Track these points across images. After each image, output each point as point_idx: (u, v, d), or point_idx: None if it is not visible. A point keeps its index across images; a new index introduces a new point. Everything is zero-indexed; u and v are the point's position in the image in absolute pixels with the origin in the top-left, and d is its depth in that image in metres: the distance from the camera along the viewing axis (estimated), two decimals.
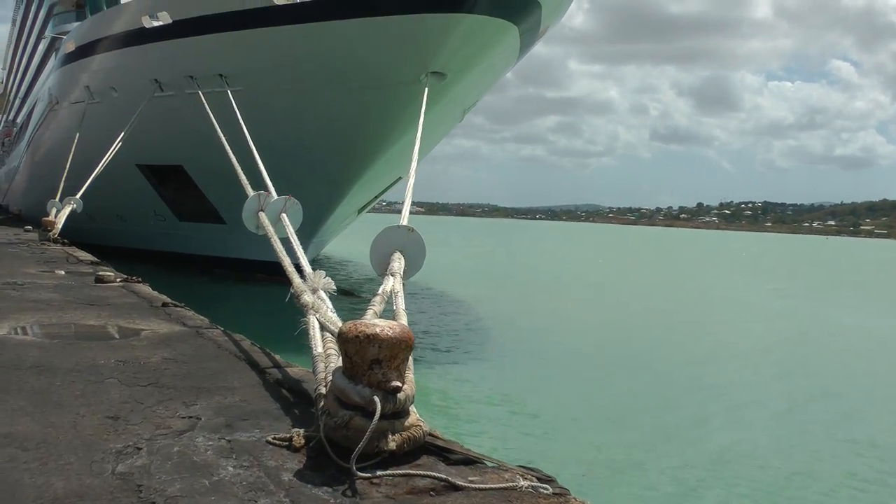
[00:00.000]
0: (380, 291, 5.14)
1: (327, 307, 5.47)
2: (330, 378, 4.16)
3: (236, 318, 18.88)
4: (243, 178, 11.26)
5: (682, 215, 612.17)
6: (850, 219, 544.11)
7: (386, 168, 33.08)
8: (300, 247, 7.40)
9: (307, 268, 6.70)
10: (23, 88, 66.38)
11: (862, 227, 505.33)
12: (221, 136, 16.89)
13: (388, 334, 3.77)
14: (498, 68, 30.70)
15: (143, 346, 6.82)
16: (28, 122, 56.90)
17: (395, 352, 3.79)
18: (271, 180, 32.33)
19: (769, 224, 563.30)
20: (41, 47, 52.63)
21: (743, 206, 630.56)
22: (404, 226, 6.21)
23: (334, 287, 6.00)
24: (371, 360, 3.76)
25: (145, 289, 10.97)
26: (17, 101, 71.93)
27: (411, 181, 10.34)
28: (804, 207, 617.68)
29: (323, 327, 5.12)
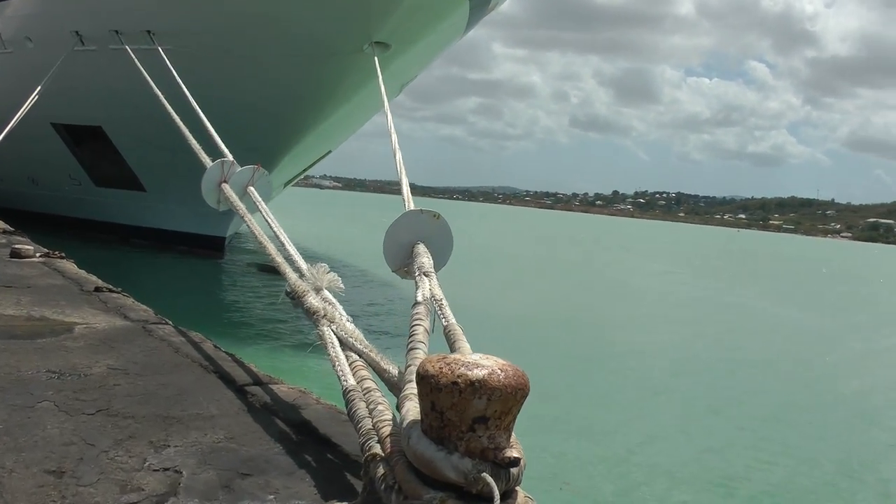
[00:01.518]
0: (420, 299, 3.76)
1: (342, 315, 4.09)
2: (387, 431, 2.85)
3: (168, 299, 17.56)
4: (195, 143, 9.70)
5: (598, 202, 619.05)
6: (760, 213, 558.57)
7: (317, 141, 31.51)
8: (281, 229, 5.93)
9: (299, 258, 5.28)
10: None
11: (771, 222, 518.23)
12: (160, 96, 15.06)
13: (500, 380, 2.45)
14: (441, 42, 29.26)
15: (79, 348, 5.26)
16: None
17: (508, 405, 2.48)
18: (190, 146, 30.77)
19: (682, 214, 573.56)
20: None
21: (657, 195, 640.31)
22: (428, 211, 4.81)
23: (342, 285, 4.61)
24: (474, 417, 2.43)
25: (71, 267, 9.36)
26: None
27: (399, 157, 8.81)
28: (716, 200, 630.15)
29: (344, 344, 3.75)
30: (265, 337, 20.02)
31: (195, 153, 8.94)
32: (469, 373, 2.45)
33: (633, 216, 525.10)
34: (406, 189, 6.94)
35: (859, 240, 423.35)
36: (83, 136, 32.26)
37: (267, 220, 6.20)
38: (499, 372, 2.48)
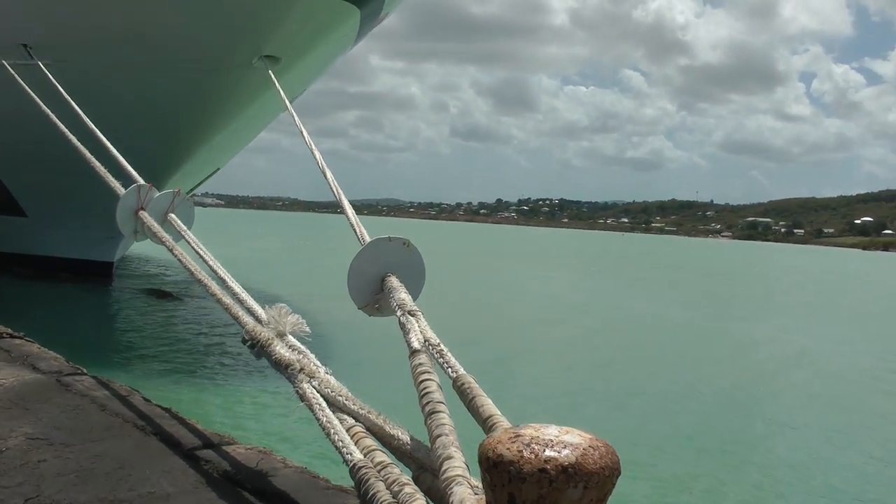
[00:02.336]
0: (417, 346, 3.12)
1: (318, 366, 3.42)
2: None
3: (62, 335, 16.52)
4: (100, 167, 8.81)
5: (483, 211, 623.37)
6: (643, 216, 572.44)
7: (206, 158, 30.39)
8: (216, 260, 5.19)
9: (248, 297, 4.56)
10: None
11: (653, 225, 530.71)
12: (50, 115, 13.84)
13: (595, 462, 1.88)
14: (332, 54, 28.52)
15: None
16: None
17: (605, 491, 1.92)
18: (75, 168, 29.02)
19: (566, 220, 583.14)
20: None
21: (541, 202, 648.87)
22: (397, 238, 4.17)
23: (308, 329, 3.93)
24: None
25: None
26: None
27: (329, 175, 8.09)
28: (599, 205, 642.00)
29: (333, 405, 3.10)
30: (179, 372, 18.97)
31: (100, 177, 8.09)
32: (558, 455, 1.88)
33: (517, 223, 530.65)
34: (350, 210, 6.33)
35: (739, 238, 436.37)
36: None
37: (197, 252, 5.46)
38: (592, 451, 1.92)
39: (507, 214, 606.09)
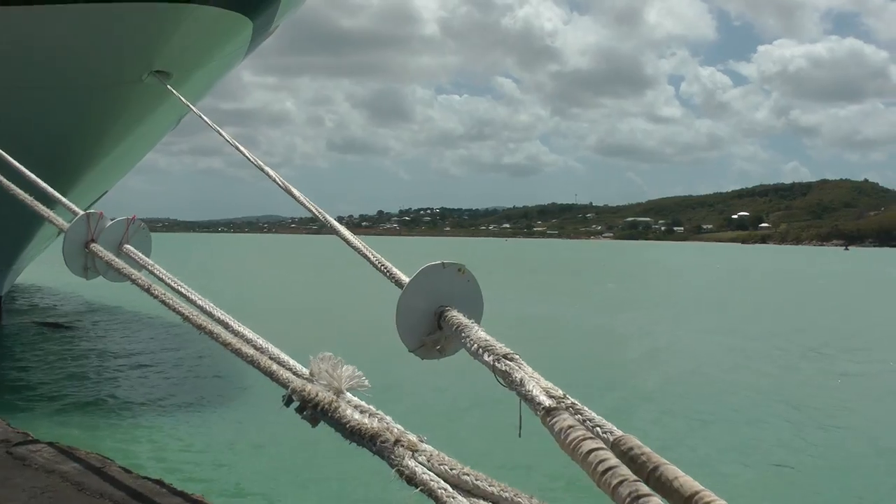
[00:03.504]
0: (547, 402, 2.40)
1: (405, 432, 2.65)
2: None
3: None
4: (22, 193, 7.81)
5: (364, 223, 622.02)
6: (524, 221, 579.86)
7: (94, 181, 28.89)
8: (204, 297, 4.36)
9: (266, 343, 3.77)
10: None
11: (535, 229, 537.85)
12: None
13: None
14: (223, 68, 27.41)
15: None
16: None
17: None
18: None
19: (448, 228, 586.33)
20: None
21: (422, 212, 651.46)
22: (451, 263, 3.44)
23: (367, 383, 3.13)
24: None
25: None
26: None
27: (298, 193, 7.25)
28: (480, 212, 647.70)
29: (455, 484, 2.35)
30: (94, 411, 17.76)
31: (24, 205, 7.12)
32: None
33: (399, 234, 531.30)
34: (344, 230, 5.54)
35: (620, 238, 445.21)
36: None
37: (174, 287, 4.61)
38: None
39: (389, 226, 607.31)
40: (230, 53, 25.42)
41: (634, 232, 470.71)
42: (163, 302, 4.34)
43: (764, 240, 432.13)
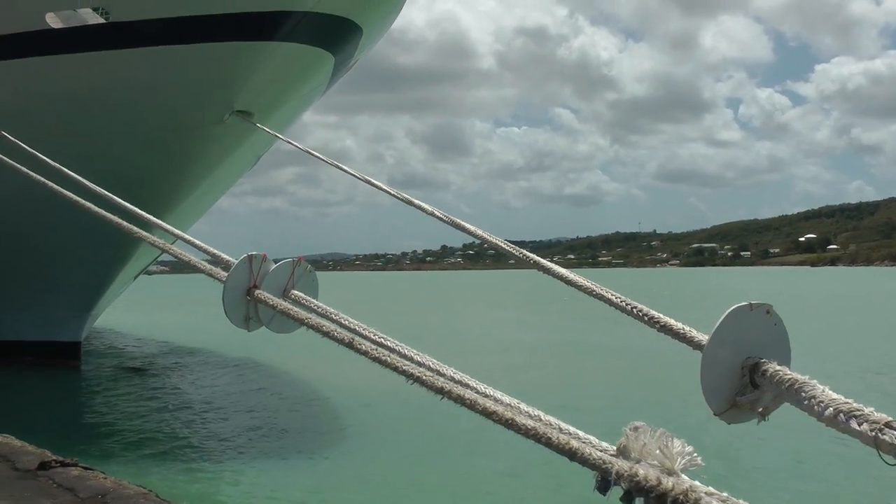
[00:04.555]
0: None
1: None
2: None
3: (50, 430, 14.87)
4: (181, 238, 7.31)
5: (429, 258, 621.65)
6: (588, 251, 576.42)
7: (174, 222, 28.66)
8: (409, 347, 3.75)
9: (506, 396, 3.14)
10: None
11: (600, 259, 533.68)
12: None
13: None
14: (303, 105, 27.10)
15: None
16: None
17: None
18: (31, 243, 26.96)
19: (512, 262, 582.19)
20: None
21: (486, 246, 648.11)
22: (759, 305, 2.80)
23: (700, 461, 2.45)
24: None
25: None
26: None
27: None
28: (543, 243, 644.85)
29: None
30: (176, 459, 17.26)
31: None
32: None
33: (464, 268, 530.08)
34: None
35: (687, 265, 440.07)
36: None
37: (371, 336, 3.98)
38: None
39: (453, 260, 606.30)
40: (311, 89, 25.13)
41: (701, 258, 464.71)
42: (362, 352, 3.73)
43: (833, 262, 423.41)
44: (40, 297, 27.83)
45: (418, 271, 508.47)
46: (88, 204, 10.16)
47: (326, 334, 4.00)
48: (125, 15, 21.30)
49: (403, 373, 3.40)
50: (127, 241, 26.56)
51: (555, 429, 2.84)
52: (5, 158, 17.53)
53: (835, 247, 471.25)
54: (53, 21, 21.60)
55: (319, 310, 4.51)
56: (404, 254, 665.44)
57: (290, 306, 4.49)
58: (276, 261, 5.11)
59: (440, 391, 3.18)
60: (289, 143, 19.36)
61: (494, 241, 6.22)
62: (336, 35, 22.47)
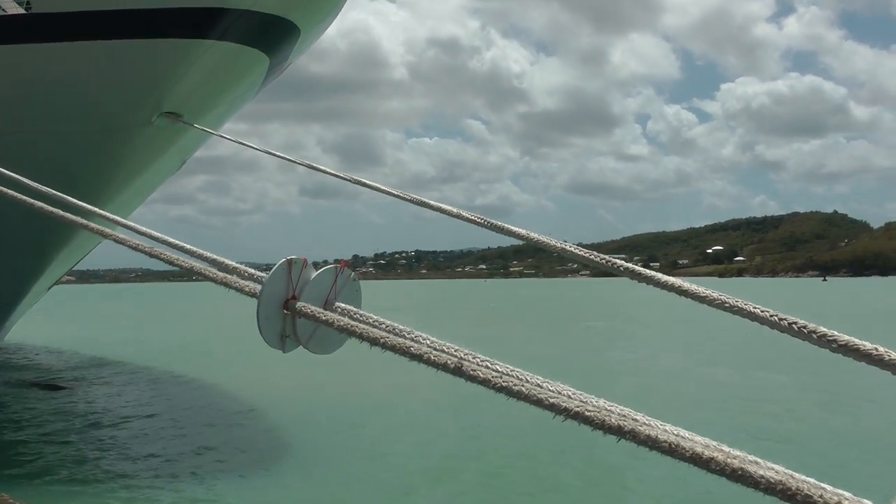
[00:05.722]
0: None
1: None
2: None
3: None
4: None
5: None
6: (500, 262, 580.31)
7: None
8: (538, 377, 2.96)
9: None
10: None
11: (512, 269, 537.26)
12: None
13: None
14: (234, 107, 26.05)
15: None
16: None
17: None
18: None
19: (424, 271, 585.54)
20: None
21: (397, 255, 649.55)
22: None
23: None
24: None
25: None
26: None
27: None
28: (455, 254, 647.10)
29: None
30: (103, 483, 16.07)
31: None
32: None
33: (376, 278, 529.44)
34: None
35: (598, 276, 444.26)
36: None
37: (469, 360, 3.19)
38: None
39: (365, 269, 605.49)
40: (243, 91, 24.16)
41: (612, 269, 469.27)
42: (469, 376, 2.95)
43: (740, 273, 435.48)
44: None
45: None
46: (23, 196, 9.27)
47: (401, 351, 3.24)
48: (48, 6, 20.16)
49: (552, 407, 2.63)
50: (44, 248, 25.34)
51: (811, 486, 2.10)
52: None
53: (741, 259, 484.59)
54: None
55: (383, 325, 3.70)
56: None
57: (340, 319, 3.67)
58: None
59: (617, 431, 2.42)
60: (240, 142, 18.30)
61: (548, 241, 5.51)
62: (273, 35, 21.57)
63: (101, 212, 8.92)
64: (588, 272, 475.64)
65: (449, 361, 3.08)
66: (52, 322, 53.64)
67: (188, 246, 5.76)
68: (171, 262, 5.39)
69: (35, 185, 10.02)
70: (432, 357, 3.14)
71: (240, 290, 4.18)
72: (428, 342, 3.48)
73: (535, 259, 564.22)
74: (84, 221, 7.59)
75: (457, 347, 3.36)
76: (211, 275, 4.68)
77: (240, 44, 20.84)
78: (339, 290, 4.00)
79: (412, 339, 3.49)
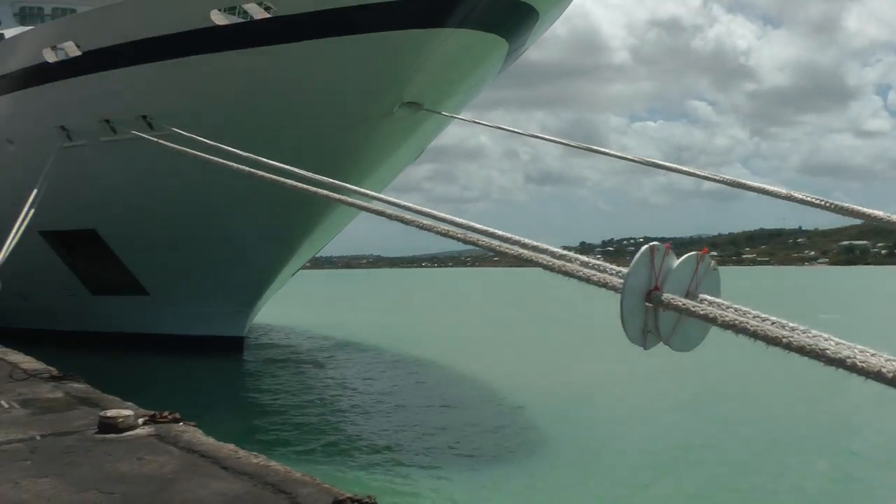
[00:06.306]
0: None
1: None
2: None
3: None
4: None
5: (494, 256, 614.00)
6: (732, 248, 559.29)
7: (336, 219, 28.33)
8: None
9: None
10: None
11: (745, 256, 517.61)
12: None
13: None
14: (472, 94, 26.14)
15: None
16: None
17: None
18: (199, 241, 27.01)
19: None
20: None
21: (625, 242, 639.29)
22: None
23: None
24: None
25: (194, 436, 6.17)
26: None
27: None
28: (684, 240, 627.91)
29: None
30: (351, 455, 16.43)
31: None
32: None
33: None
34: None
35: (837, 264, 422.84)
36: (76, 242, 28.95)
37: None
38: None
39: (594, 257, 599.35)
40: (481, 77, 24.29)
41: (851, 256, 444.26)
42: (860, 370, 2.71)
43: None
44: (207, 293, 27.94)
45: None
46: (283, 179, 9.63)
47: (783, 344, 3.01)
48: (290, 8, 20.92)
49: None
50: (290, 236, 26.38)
51: None
52: (181, 148, 17.45)
53: None
54: (219, 18, 21.42)
55: (750, 315, 3.40)
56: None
57: (709, 310, 3.42)
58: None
59: None
60: (482, 124, 18.47)
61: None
62: (512, 20, 21.60)
63: (359, 189, 9.14)
64: (826, 260, 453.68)
65: (830, 351, 2.89)
66: (294, 305, 55.62)
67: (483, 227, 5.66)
68: (487, 248, 5.31)
69: (292, 168, 10.42)
70: (808, 348, 2.96)
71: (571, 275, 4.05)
72: (799, 331, 3.22)
73: (768, 246, 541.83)
74: (353, 199, 7.74)
75: (826, 336, 3.09)
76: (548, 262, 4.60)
77: (479, 30, 20.95)
78: (700, 279, 3.74)
79: (788, 330, 3.24)
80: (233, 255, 26.36)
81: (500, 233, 5.47)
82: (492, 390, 24.52)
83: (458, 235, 5.29)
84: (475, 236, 5.45)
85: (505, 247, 5.24)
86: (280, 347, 36.14)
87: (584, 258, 4.67)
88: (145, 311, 29.90)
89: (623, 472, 15.63)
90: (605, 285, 3.95)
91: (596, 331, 33.42)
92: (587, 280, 4.17)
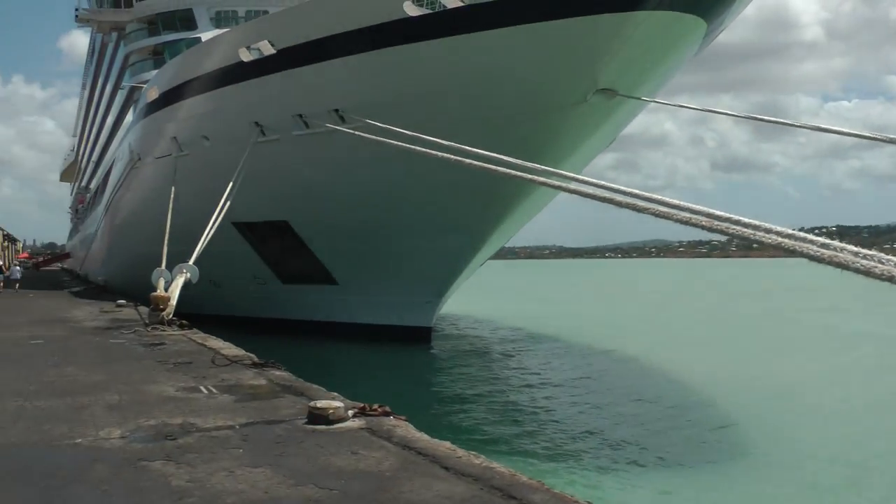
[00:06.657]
0: None
1: None
2: None
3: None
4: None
5: (755, 245, 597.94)
6: None
7: (524, 210, 28.00)
8: None
9: None
10: (96, 151, 62.42)
11: None
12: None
13: None
14: (668, 77, 25.13)
15: None
16: (104, 185, 52.74)
17: None
18: (389, 231, 27.16)
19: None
20: (117, 102, 48.59)
21: (816, 231, 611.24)
22: None
23: None
24: None
25: (407, 431, 5.95)
26: (91, 166, 68.11)
27: None
28: (881, 229, 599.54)
29: None
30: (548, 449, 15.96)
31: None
32: None
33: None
34: None
35: None
36: (268, 234, 29.75)
37: None
38: None
39: None
40: (676, 60, 23.35)
41: None
42: None
43: None
44: (397, 283, 28.17)
45: (745, 258, 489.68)
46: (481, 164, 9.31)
47: None
48: None
49: None
50: (480, 227, 26.20)
51: None
52: (380, 139, 17.48)
53: None
54: (412, 9, 21.42)
55: None
56: (730, 240, 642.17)
57: None
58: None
59: None
60: (685, 107, 17.75)
61: None
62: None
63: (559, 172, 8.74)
64: None
65: None
66: (478, 295, 55.51)
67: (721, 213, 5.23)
68: (740, 237, 4.89)
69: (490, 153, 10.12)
70: None
71: None
72: None
73: None
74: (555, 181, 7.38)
75: None
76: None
77: (676, 11, 20.17)
78: None
79: None
80: (424, 246, 26.45)
81: (748, 220, 5.00)
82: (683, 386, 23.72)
83: (703, 223, 4.82)
84: (723, 225, 4.99)
85: (760, 235, 4.77)
86: (467, 338, 36.13)
87: (857, 248, 4.14)
88: (334, 301, 30.41)
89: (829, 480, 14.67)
90: (891, 279, 3.45)
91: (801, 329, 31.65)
92: (866, 273, 3.66)
